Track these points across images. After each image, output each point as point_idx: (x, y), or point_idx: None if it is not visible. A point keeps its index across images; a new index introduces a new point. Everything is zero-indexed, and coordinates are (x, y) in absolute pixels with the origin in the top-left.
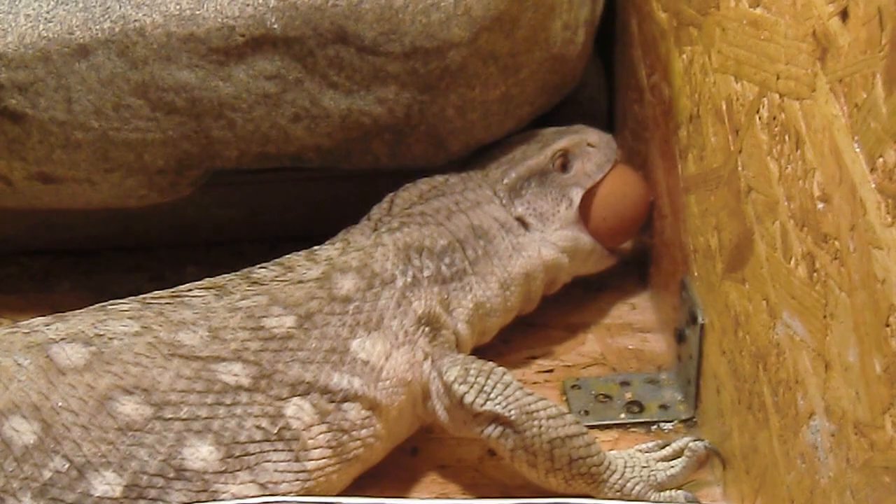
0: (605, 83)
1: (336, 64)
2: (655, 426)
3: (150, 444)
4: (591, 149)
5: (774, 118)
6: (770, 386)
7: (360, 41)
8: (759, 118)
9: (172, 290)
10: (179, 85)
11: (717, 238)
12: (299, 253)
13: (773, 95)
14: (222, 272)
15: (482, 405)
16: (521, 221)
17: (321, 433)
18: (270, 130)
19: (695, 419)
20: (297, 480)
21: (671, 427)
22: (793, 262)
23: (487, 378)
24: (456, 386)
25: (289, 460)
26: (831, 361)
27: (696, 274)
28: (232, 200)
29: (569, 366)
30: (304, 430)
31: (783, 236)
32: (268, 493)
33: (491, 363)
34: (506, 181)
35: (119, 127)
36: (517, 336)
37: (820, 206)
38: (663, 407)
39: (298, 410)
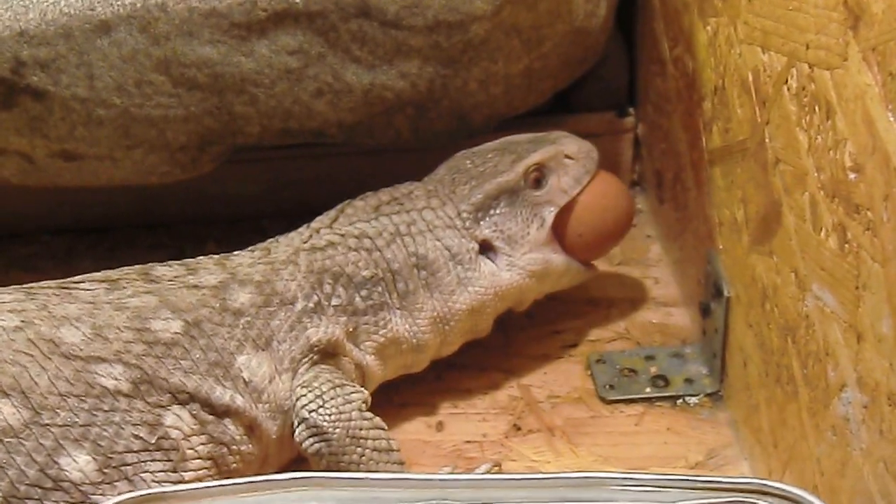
0: (627, 57)
1: (359, 38)
2: (681, 400)
3: (26, 451)
4: (568, 161)
5: (804, 88)
6: (799, 358)
7: (383, 15)
8: (788, 89)
9: (61, 280)
10: (201, 61)
11: (743, 211)
12: (213, 256)
13: (803, 66)
14: (243, 248)
15: (310, 412)
16: (487, 244)
17: (201, 444)
18: (293, 106)
19: (720, 393)
20: None
21: (697, 401)
22: (823, 233)
23: (332, 389)
24: (298, 389)
25: (167, 470)
26: (864, 333)
27: (721, 247)
28: (253, 177)
29: (593, 340)
30: (182, 439)
31: (813, 207)
32: None
33: (352, 386)
34: (472, 201)
35: (141, 103)
36: (540, 311)
37: (852, 176)
38: (689, 381)
39: (178, 420)
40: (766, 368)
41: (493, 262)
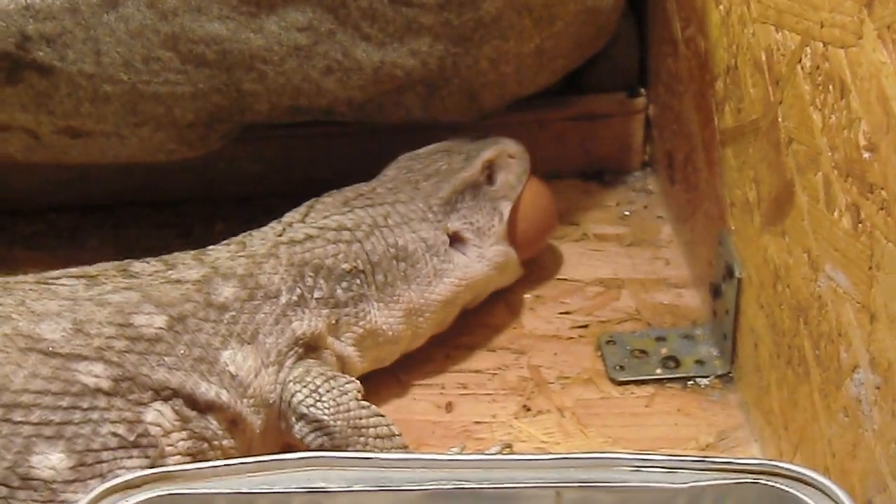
0: (638, 37)
1: (369, 15)
2: (692, 381)
3: None
4: (511, 160)
5: (818, 67)
6: (811, 339)
7: None
8: (802, 68)
9: (39, 275)
10: (210, 37)
11: (755, 191)
12: (188, 252)
13: (817, 44)
14: (251, 228)
15: (308, 407)
16: (458, 237)
17: (181, 440)
18: (302, 83)
19: (731, 374)
20: None
21: (707, 382)
22: (836, 213)
23: (326, 382)
24: (291, 385)
25: (143, 467)
26: (877, 313)
27: (732, 228)
28: (261, 155)
29: (603, 321)
30: (163, 436)
31: (826, 187)
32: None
33: (343, 377)
34: (441, 194)
35: (148, 80)
36: (551, 292)
37: (866, 155)
38: (699, 362)
39: (159, 416)
40: (778, 350)
41: (463, 253)
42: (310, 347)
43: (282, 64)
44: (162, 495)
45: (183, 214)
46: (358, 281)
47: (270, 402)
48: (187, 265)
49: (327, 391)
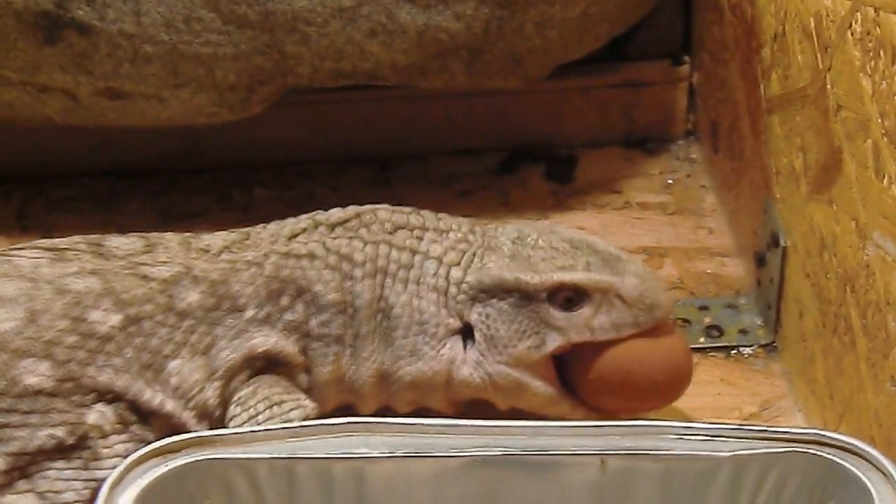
0: (683, 4)
1: None
2: (735, 351)
3: None
4: (618, 302)
5: (868, 33)
6: (858, 308)
7: None
8: (852, 34)
9: (4, 249)
10: None
11: (801, 159)
12: (180, 234)
13: (868, 10)
14: (290, 194)
15: None
16: (469, 331)
17: (120, 443)
18: (345, 46)
19: (775, 344)
20: (87, 489)
21: (751, 352)
22: (886, 180)
23: (268, 409)
24: (232, 406)
25: (78, 468)
26: None
27: (778, 196)
28: (302, 120)
29: None
30: (101, 438)
31: (876, 154)
32: (48, 503)
33: (293, 401)
34: (482, 279)
35: (190, 40)
36: None
37: None
38: (743, 332)
39: (100, 417)
40: (823, 319)
41: (463, 350)
42: (279, 363)
43: (325, 26)
44: (201, 460)
45: (221, 180)
46: (340, 320)
47: (216, 414)
48: (170, 251)
49: (266, 419)
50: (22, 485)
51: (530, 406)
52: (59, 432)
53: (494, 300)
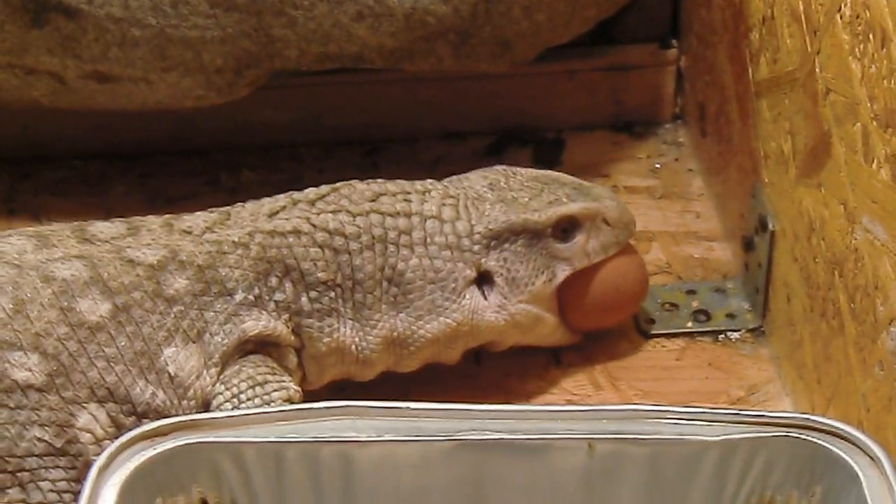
0: None
1: None
2: (723, 335)
3: None
4: (604, 226)
5: (858, 16)
6: (847, 292)
7: None
8: (841, 17)
9: None
10: None
11: (790, 143)
12: (161, 217)
13: None
14: (278, 177)
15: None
16: (488, 277)
17: None
18: (332, 29)
19: (762, 328)
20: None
21: (739, 336)
22: (875, 164)
23: (251, 388)
24: (217, 385)
25: (69, 479)
26: None
27: (766, 180)
28: (289, 103)
29: None
30: (92, 444)
31: (865, 138)
32: None
33: (277, 381)
34: (492, 226)
35: (177, 24)
36: None
37: None
38: (730, 316)
39: (91, 421)
40: (812, 303)
41: (484, 297)
42: (268, 343)
43: (312, 9)
44: (190, 443)
45: (210, 162)
46: (332, 294)
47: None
48: (153, 233)
49: (248, 398)
50: (14, 493)
51: (537, 339)
52: (47, 434)
53: (507, 244)
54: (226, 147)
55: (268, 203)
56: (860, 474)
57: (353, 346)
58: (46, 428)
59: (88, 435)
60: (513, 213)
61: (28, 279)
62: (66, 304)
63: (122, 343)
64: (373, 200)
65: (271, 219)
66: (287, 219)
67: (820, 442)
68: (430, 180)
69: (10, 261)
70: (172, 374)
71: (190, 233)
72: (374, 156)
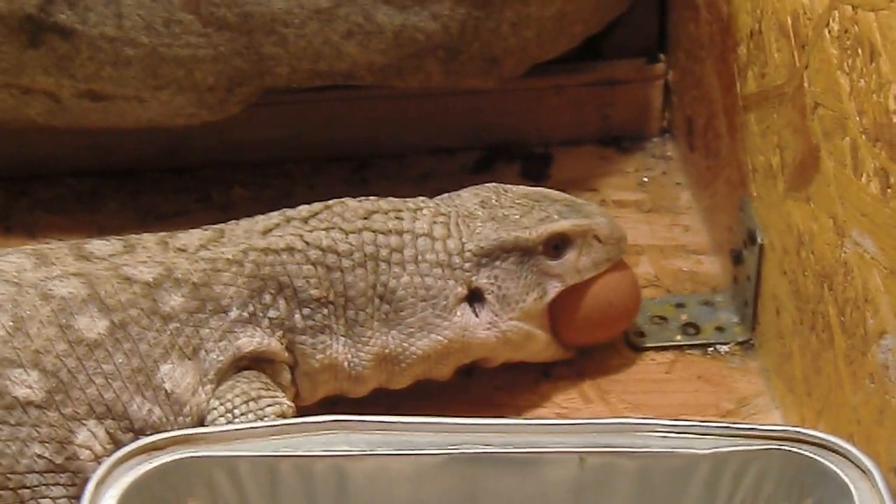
0: (658, 2)
1: None
2: (712, 348)
3: None
4: (595, 243)
5: (846, 31)
6: (836, 306)
7: None
8: (829, 32)
9: None
10: None
11: (779, 156)
12: (156, 234)
13: (845, 7)
14: (268, 193)
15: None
16: (478, 294)
17: None
18: (323, 47)
19: (752, 341)
20: None
21: (728, 349)
22: (864, 178)
23: (244, 403)
24: (211, 400)
25: (69, 496)
26: None
27: (754, 194)
28: (280, 120)
29: None
30: (91, 460)
31: (854, 152)
32: None
33: (270, 397)
34: (483, 244)
35: (169, 43)
36: None
37: None
38: (719, 329)
39: (90, 438)
40: (801, 316)
41: (475, 314)
42: (263, 360)
43: (302, 27)
44: (186, 457)
45: (201, 179)
46: (325, 311)
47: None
48: (148, 251)
49: (242, 413)
50: None
51: (529, 355)
52: (48, 451)
53: (498, 261)
54: (217, 164)
55: (261, 220)
56: (851, 487)
57: (346, 363)
58: (47, 445)
59: (87, 451)
60: (504, 230)
61: (27, 297)
62: (64, 321)
63: (120, 360)
64: (365, 218)
65: (265, 236)
66: (281, 236)
67: (810, 455)
68: (422, 198)
69: (10, 279)
70: (169, 390)
71: (185, 250)
72: (363, 171)
